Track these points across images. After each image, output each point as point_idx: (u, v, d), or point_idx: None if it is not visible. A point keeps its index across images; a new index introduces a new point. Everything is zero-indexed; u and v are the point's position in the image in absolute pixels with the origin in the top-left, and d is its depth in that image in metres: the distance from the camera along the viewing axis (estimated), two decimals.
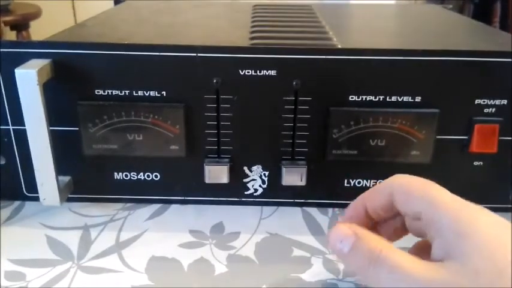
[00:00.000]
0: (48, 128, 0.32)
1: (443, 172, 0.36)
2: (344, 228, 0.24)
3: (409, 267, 0.22)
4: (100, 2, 1.14)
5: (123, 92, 0.34)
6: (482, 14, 1.11)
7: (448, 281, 0.21)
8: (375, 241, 0.23)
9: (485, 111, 0.34)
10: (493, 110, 0.34)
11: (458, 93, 0.33)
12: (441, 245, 0.22)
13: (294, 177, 0.35)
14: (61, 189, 0.34)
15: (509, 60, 0.32)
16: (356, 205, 0.28)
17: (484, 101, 0.34)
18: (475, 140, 0.34)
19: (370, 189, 0.28)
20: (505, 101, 0.33)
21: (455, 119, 0.34)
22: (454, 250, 0.21)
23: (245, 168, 0.36)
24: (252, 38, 0.38)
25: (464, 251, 0.21)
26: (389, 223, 0.28)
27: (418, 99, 0.33)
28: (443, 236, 0.22)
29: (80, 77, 0.33)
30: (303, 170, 0.35)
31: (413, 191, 0.25)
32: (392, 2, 0.97)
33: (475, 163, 0.35)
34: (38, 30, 1.71)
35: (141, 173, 0.37)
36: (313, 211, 0.38)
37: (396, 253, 0.22)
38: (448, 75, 0.33)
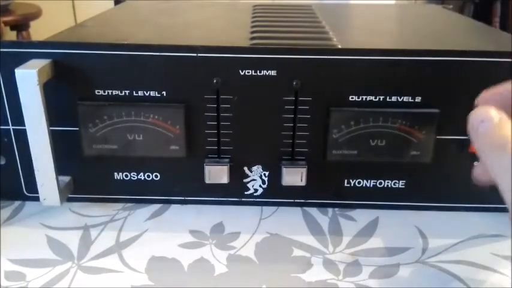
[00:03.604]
0: (48, 128, 0.32)
1: (444, 172, 0.36)
2: (491, 111, 0.24)
3: None
4: (100, 2, 1.14)
5: (123, 92, 0.34)
6: (482, 14, 1.11)
7: None
8: (510, 131, 0.23)
9: None
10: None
11: (459, 93, 0.33)
12: None
13: (294, 177, 0.35)
14: (61, 190, 0.34)
15: (509, 60, 0.32)
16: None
17: None
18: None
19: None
20: None
21: (455, 119, 0.34)
22: None
23: (245, 168, 0.36)
24: (252, 38, 0.38)
25: None
26: None
27: (418, 99, 0.33)
28: None
29: (80, 77, 0.33)
30: (303, 170, 0.35)
31: None
32: (392, 2, 0.97)
33: (475, 163, 0.35)
34: (38, 30, 1.71)
35: (141, 173, 0.37)
36: (313, 211, 0.38)
37: None
38: (448, 75, 0.33)
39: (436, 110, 0.33)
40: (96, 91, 0.34)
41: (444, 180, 0.36)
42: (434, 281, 0.30)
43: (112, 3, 1.34)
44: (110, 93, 0.34)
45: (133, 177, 0.37)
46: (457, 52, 0.32)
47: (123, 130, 0.34)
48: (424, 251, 0.33)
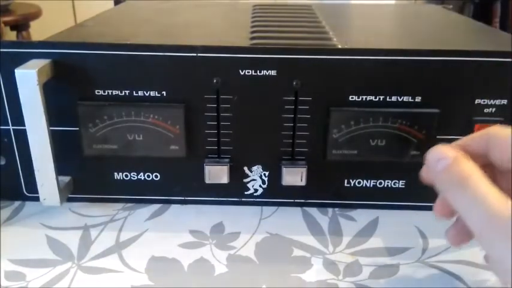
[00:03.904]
0: (48, 128, 0.32)
1: None
2: (446, 149, 0.25)
3: (491, 200, 0.22)
4: (100, 2, 1.14)
5: (123, 92, 0.34)
6: (482, 14, 1.11)
7: None
8: (468, 166, 0.24)
9: (485, 111, 0.34)
10: (493, 110, 0.34)
11: (459, 93, 0.33)
12: None
13: (294, 177, 0.35)
14: (61, 190, 0.34)
15: (509, 60, 0.32)
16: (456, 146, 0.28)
17: (484, 101, 0.34)
18: None
19: (466, 137, 0.27)
20: (505, 101, 0.33)
21: (455, 118, 0.34)
22: None
23: (245, 168, 0.36)
24: (252, 38, 0.38)
25: None
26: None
27: (418, 99, 0.33)
28: None
29: (80, 77, 0.33)
30: (303, 170, 0.35)
31: (503, 149, 0.24)
32: (392, 2, 0.97)
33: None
34: (38, 30, 1.71)
35: (141, 173, 0.37)
36: (313, 211, 0.38)
37: (483, 183, 0.23)
38: (448, 75, 0.33)
39: (436, 110, 0.33)
40: (96, 91, 0.34)
41: None
42: (435, 281, 0.30)
43: (112, 3, 1.34)
44: (110, 93, 0.34)
45: (134, 177, 0.37)
46: (456, 52, 0.32)
47: (123, 130, 0.34)
48: (424, 251, 0.33)
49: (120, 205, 0.38)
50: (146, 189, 0.37)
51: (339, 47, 0.35)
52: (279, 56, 0.32)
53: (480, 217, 0.22)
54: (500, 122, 0.34)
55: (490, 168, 0.26)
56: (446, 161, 0.25)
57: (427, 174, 0.27)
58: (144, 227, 0.35)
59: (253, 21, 0.46)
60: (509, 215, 0.21)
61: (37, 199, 0.34)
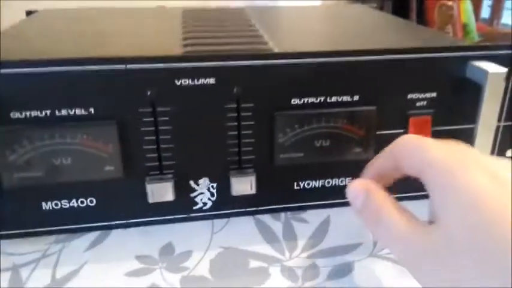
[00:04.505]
0: None
1: None
2: (357, 185, 0.26)
3: (402, 229, 0.23)
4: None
5: (43, 112, 0.30)
6: (400, 10, 1.18)
7: (427, 246, 0.21)
8: (379, 199, 0.25)
9: (417, 104, 0.35)
10: (425, 103, 0.35)
11: (392, 90, 0.34)
12: (431, 207, 0.23)
13: (243, 186, 0.34)
14: None
15: (435, 55, 0.34)
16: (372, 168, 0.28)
17: (415, 95, 0.35)
18: (411, 133, 0.35)
19: (378, 155, 0.28)
20: (434, 94, 0.35)
21: (391, 114, 0.35)
22: (436, 212, 0.22)
23: (191, 182, 0.34)
24: (186, 45, 0.36)
25: (441, 213, 0.21)
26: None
27: (356, 98, 0.34)
28: (431, 199, 0.23)
29: None
30: (252, 178, 0.34)
31: (406, 157, 0.25)
32: (318, 2, 1.00)
33: None
34: None
35: (74, 200, 0.33)
36: (266, 218, 0.37)
37: (393, 213, 0.23)
38: (380, 73, 0.34)
39: (373, 107, 0.34)
40: (12, 114, 0.30)
41: None
42: (389, 273, 0.31)
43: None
44: (28, 116, 0.30)
45: (65, 206, 0.33)
46: (388, 51, 0.33)
47: (47, 155, 0.31)
48: (375, 244, 0.34)
49: (52, 238, 0.34)
50: (81, 217, 0.34)
51: (276, 51, 0.35)
52: (217, 63, 0.31)
53: (398, 251, 0.23)
54: (432, 114, 0.35)
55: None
56: (360, 198, 0.26)
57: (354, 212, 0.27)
58: (83, 258, 0.32)
59: (184, 27, 0.44)
60: (422, 240, 0.22)
61: None
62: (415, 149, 0.24)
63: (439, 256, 0.20)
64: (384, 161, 0.27)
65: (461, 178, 0.21)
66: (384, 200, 0.24)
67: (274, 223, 0.36)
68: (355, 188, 0.26)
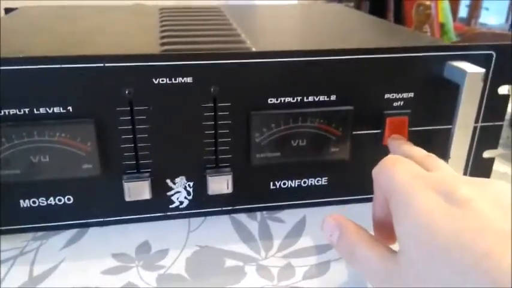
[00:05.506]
0: None
1: (361, 166, 0.37)
2: (330, 221, 0.27)
3: (374, 261, 0.23)
4: None
5: (22, 110, 0.30)
6: (378, 10, 1.19)
7: (395, 273, 0.22)
8: (352, 234, 0.25)
9: (394, 104, 0.36)
10: (402, 103, 0.36)
11: (369, 90, 0.35)
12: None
13: (220, 185, 0.34)
14: None
15: (412, 54, 0.34)
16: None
17: (392, 95, 0.35)
18: (388, 133, 0.36)
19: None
20: (411, 94, 0.35)
21: (368, 114, 0.35)
22: (398, 238, 0.23)
23: (168, 181, 0.35)
24: (163, 44, 0.37)
25: (400, 238, 0.22)
26: None
27: (333, 97, 0.34)
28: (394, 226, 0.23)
29: None
30: (229, 177, 0.34)
31: (382, 189, 0.26)
32: (295, 1, 1.00)
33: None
34: None
35: (51, 198, 0.33)
36: (242, 217, 0.37)
37: (366, 247, 0.24)
38: (357, 73, 0.34)
39: (350, 107, 0.35)
40: None
41: (362, 174, 0.38)
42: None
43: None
44: (6, 113, 0.30)
45: (43, 203, 0.33)
46: (364, 50, 0.34)
47: (25, 152, 0.31)
48: None
49: (29, 235, 0.34)
50: (58, 214, 0.34)
51: (254, 50, 0.35)
52: (194, 62, 0.31)
53: (372, 281, 0.24)
54: (409, 114, 0.36)
55: None
56: (335, 235, 0.26)
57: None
58: (60, 256, 0.32)
59: (162, 26, 0.44)
60: (392, 268, 0.22)
61: None
62: (386, 178, 0.25)
63: (406, 281, 0.21)
64: (377, 203, 0.28)
65: (414, 202, 0.22)
66: (356, 235, 0.25)
67: (250, 222, 0.37)
68: (329, 224, 0.27)
